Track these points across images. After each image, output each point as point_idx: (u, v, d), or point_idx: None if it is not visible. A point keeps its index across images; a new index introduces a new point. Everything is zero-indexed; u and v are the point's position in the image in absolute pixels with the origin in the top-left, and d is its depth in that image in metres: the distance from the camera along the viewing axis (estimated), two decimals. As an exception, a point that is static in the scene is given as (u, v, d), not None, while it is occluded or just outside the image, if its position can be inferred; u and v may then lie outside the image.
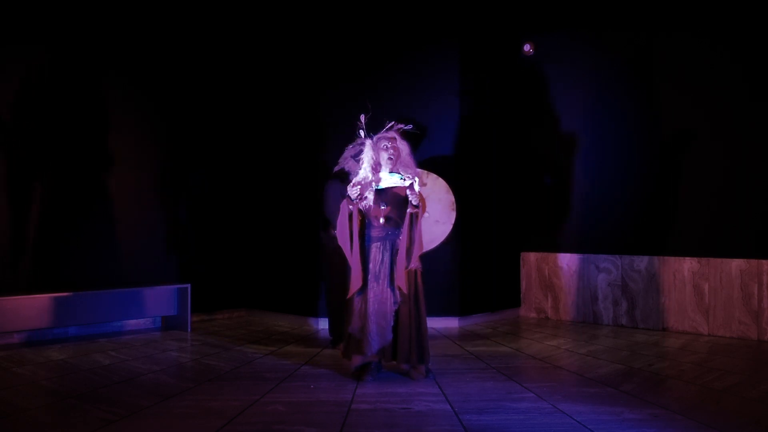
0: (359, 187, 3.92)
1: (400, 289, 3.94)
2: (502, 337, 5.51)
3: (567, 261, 6.53)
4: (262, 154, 6.70)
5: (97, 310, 5.44)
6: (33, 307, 5.09)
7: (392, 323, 3.96)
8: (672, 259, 5.81)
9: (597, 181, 6.35)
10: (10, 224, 5.22)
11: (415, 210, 3.96)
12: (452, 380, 3.95)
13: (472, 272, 6.25)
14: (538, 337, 5.52)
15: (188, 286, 5.84)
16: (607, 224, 6.27)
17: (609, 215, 6.26)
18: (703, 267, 5.64)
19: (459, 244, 5.99)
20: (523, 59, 6.89)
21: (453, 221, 5.33)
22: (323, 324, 5.77)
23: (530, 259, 6.84)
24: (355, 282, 3.95)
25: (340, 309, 4.99)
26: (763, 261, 5.33)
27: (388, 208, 3.99)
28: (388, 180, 4.03)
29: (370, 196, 3.96)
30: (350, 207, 3.94)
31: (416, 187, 4.01)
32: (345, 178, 4.90)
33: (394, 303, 3.96)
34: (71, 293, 5.26)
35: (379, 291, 3.94)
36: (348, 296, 3.98)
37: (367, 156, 4.05)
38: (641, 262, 5.99)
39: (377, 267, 3.97)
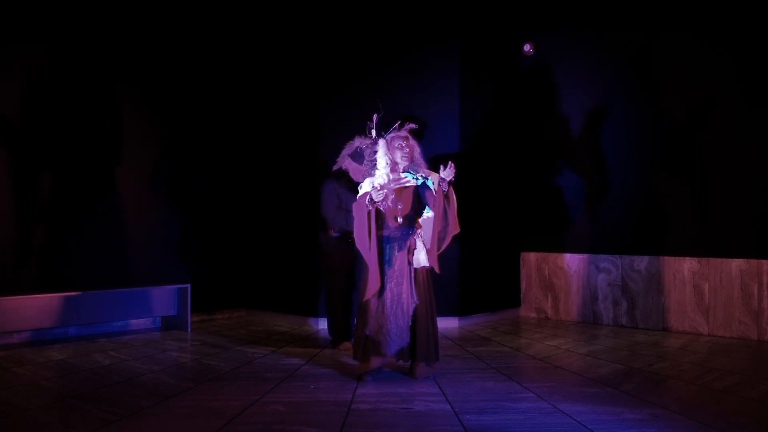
0: (385, 191, 3.86)
1: (418, 287, 3.94)
2: (502, 337, 5.51)
3: (567, 261, 6.53)
4: (262, 154, 6.70)
5: (97, 310, 5.44)
6: (33, 307, 5.09)
7: (410, 323, 3.95)
8: (672, 259, 5.81)
9: (597, 181, 6.35)
10: (10, 224, 5.22)
11: (447, 189, 3.88)
12: (452, 380, 3.95)
13: (472, 272, 6.25)
14: (538, 337, 5.52)
15: (188, 286, 5.83)
16: (607, 224, 6.27)
17: (609, 215, 6.26)
18: (703, 267, 5.64)
19: (459, 243, 5.99)
20: (523, 59, 6.90)
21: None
22: (323, 324, 5.77)
23: (530, 259, 6.84)
24: (374, 284, 3.88)
25: (340, 309, 5.00)
26: (763, 261, 5.33)
27: (404, 207, 3.98)
28: (403, 179, 4.02)
29: (391, 196, 3.94)
30: (370, 208, 3.87)
31: (430, 184, 4.00)
32: (341, 177, 4.90)
33: (412, 302, 3.95)
34: (71, 293, 5.25)
35: (396, 291, 3.93)
36: (366, 298, 3.92)
37: (382, 156, 4.04)
38: (641, 262, 5.99)
39: (394, 267, 3.95)
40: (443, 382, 3.90)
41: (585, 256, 6.39)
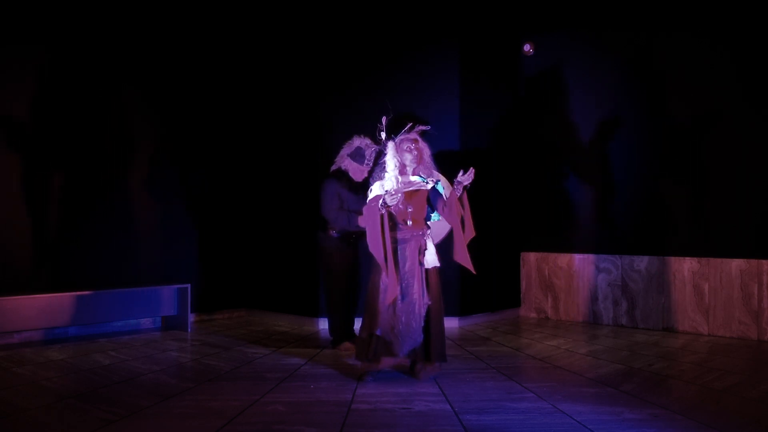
0: (400, 195, 3.84)
1: (429, 288, 3.95)
2: (502, 337, 5.51)
3: (567, 261, 6.53)
4: (262, 154, 6.70)
5: (97, 310, 5.44)
6: (33, 307, 5.09)
7: (422, 324, 3.95)
8: (672, 259, 5.81)
9: (597, 181, 6.35)
10: (10, 225, 5.22)
11: (462, 193, 3.89)
12: (452, 380, 3.95)
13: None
14: (538, 337, 5.52)
15: (188, 286, 5.83)
16: (607, 224, 6.27)
17: (609, 215, 6.26)
18: (703, 267, 5.64)
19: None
20: (523, 59, 6.90)
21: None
22: (323, 324, 5.77)
23: (530, 259, 6.84)
24: (392, 290, 3.85)
25: (340, 309, 4.99)
26: (763, 261, 5.33)
27: (414, 210, 3.98)
28: (413, 182, 4.02)
29: (401, 198, 3.94)
30: (382, 212, 3.83)
31: (440, 188, 4.00)
32: (341, 177, 4.88)
33: (425, 303, 3.95)
34: (71, 293, 5.26)
35: (408, 292, 3.92)
36: (386, 305, 3.89)
37: (391, 159, 4.03)
38: (641, 262, 5.99)
39: (406, 269, 3.95)
40: (443, 382, 3.90)
41: (585, 256, 6.39)
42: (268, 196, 6.61)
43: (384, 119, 4.02)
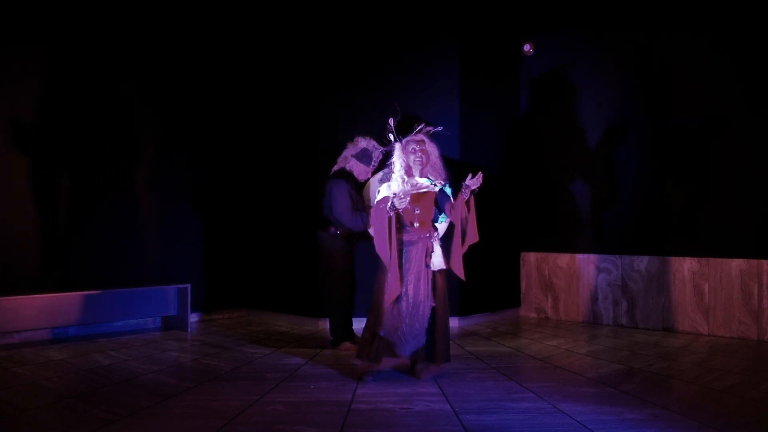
0: (408, 198, 3.84)
1: (435, 290, 3.95)
2: (502, 337, 5.51)
3: (567, 261, 6.53)
4: (262, 154, 6.70)
5: (97, 310, 5.44)
6: (33, 307, 5.09)
7: (426, 325, 3.95)
8: (672, 259, 5.81)
9: (597, 181, 6.35)
10: (10, 225, 5.22)
11: (468, 197, 3.89)
12: (452, 380, 3.95)
13: (472, 272, 6.20)
14: (538, 337, 5.52)
15: (188, 286, 5.83)
16: (607, 224, 6.27)
17: (609, 215, 6.26)
18: (703, 267, 5.64)
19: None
20: (523, 59, 6.90)
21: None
22: (323, 324, 5.77)
23: (530, 259, 6.84)
24: (395, 289, 3.87)
25: (342, 309, 4.99)
26: (763, 261, 5.33)
27: (421, 212, 3.98)
28: (420, 184, 4.02)
29: (407, 200, 3.95)
30: (391, 213, 3.85)
31: (448, 191, 4.00)
32: (349, 177, 4.87)
33: (429, 305, 3.95)
34: (71, 293, 5.26)
35: (413, 294, 3.92)
36: (387, 304, 3.91)
37: (397, 160, 4.03)
38: (641, 262, 6.00)
39: (412, 270, 3.95)
40: (443, 382, 3.90)
41: (585, 256, 6.39)
42: (269, 196, 6.61)
43: (391, 121, 4.02)
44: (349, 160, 4.88)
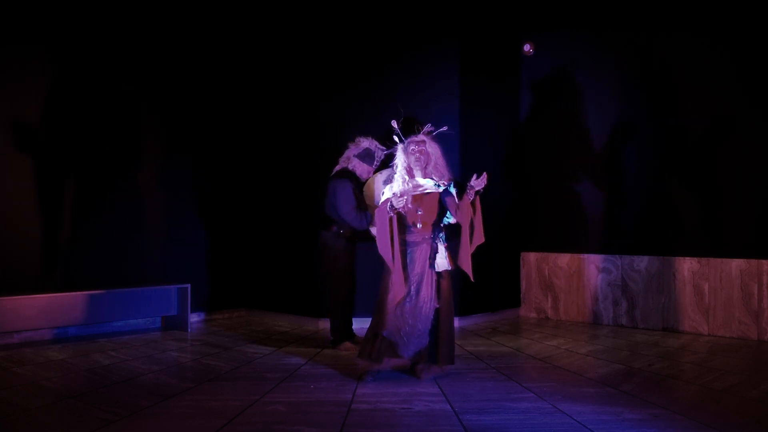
0: (406, 198, 3.86)
1: (440, 291, 3.95)
2: (502, 337, 5.51)
3: (567, 261, 6.53)
4: (262, 154, 6.70)
5: (97, 310, 5.44)
6: (33, 307, 5.09)
7: (429, 327, 3.95)
8: (672, 259, 5.81)
9: (597, 181, 6.35)
10: (11, 225, 5.22)
11: (474, 198, 3.89)
12: (452, 380, 3.95)
13: (473, 272, 6.23)
14: (538, 337, 5.52)
15: (188, 286, 5.83)
16: (607, 224, 6.27)
17: (609, 215, 6.26)
18: (703, 267, 5.64)
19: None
20: (523, 59, 6.90)
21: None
22: (323, 324, 5.77)
23: (530, 259, 6.84)
24: (399, 290, 3.88)
25: (343, 309, 4.99)
26: (763, 261, 5.33)
27: (424, 213, 3.98)
28: (423, 184, 4.02)
29: (409, 200, 3.95)
30: (391, 214, 3.86)
31: (452, 191, 3.99)
32: (352, 177, 4.87)
33: (433, 306, 3.94)
34: (71, 293, 5.26)
35: (416, 294, 3.92)
36: (391, 306, 3.91)
37: (399, 161, 4.03)
38: (641, 262, 6.00)
39: (415, 271, 3.95)
40: (443, 382, 3.90)
41: (585, 256, 6.39)
42: (268, 196, 6.61)
43: (394, 122, 4.03)
44: (351, 160, 4.89)
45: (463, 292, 6.13)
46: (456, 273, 4.12)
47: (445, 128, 4.12)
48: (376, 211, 4.00)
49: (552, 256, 6.65)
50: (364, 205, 4.79)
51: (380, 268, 4.02)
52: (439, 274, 4.00)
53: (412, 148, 4.03)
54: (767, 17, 5.34)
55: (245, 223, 6.78)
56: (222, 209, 6.63)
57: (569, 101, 6.56)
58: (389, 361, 3.96)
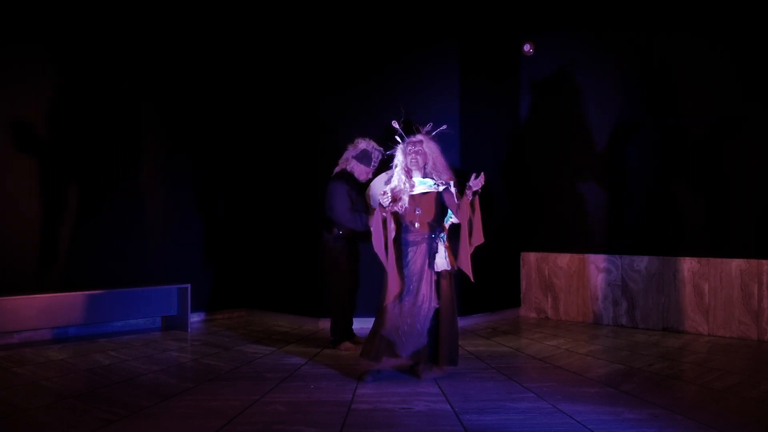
0: (389, 195, 3.88)
1: (440, 291, 3.96)
2: (502, 337, 5.51)
3: (567, 261, 6.53)
4: (262, 155, 6.70)
5: (97, 310, 5.44)
6: (33, 307, 5.09)
7: (428, 326, 3.95)
8: (672, 259, 5.81)
9: (597, 181, 6.35)
10: (11, 225, 5.22)
11: (473, 198, 3.89)
12: (452, 380, 3.95)
13: (473, 272, 6.23)
14: (538, 337, 5.52)
15: (188, 286, 5.83)
16: (607, 224, 6.27)
17: (609, 215, 6.26)
18: (703, 267, 5.64)
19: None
20: (523, 59, 6.90)
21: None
22: (323, 324, 5.77)
23: (530, 259, 6.84)
24: (393, 288, 3.90)
25: (343, 309, 5.00)
26: (763, 261, 5.33)
27: (423, 212, 3.98)
28: (422, 184, 4.03)
29: (405, 198, 3.95)
30: (383, 214, 3.89)
31: (452, 190, 4.00)
32: (349, 178, 4.90)
33: (432, 306, 3.94)
34: (71, 293, 5.26)
35: (414, 294, 3.93)
36: (385, 303, 3.93)
37: (398, 161, 4.05)
38: (641, 262, 5.99)
39: (414, 270, 3.95)
40: (443, 382, 3.90)
41: (585, 256, 6.39)
42: (269, 197, 6.61)
43: (395, 122, 4.05)
44: (349, 161, 4.94)
45: (463, 292, 6.12)
46: (456, 273, 4.12)
47: (444, 127, 4.13)
48: (375, 210, 4.02)
49: (552, 256, 6.65)
50: (363, 205, 4.82)
51: (382, 268, 4.03)
52: (438, 273, 4.00)
53: (409, 148, 4.04)
54: (765, 17, 5.34)
55: (245, 223, 6.78)
56: (222, 209, 6.63)
57: (569, 101, 6.56)
58: (388, 361, 3.96)
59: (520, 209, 6.89)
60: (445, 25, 6.15)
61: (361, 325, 5.38)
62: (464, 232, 3.94)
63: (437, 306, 3.97)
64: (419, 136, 4.07)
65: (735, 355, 4.74)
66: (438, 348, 3.97)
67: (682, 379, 4.01)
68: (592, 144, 6.38)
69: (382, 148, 4.83)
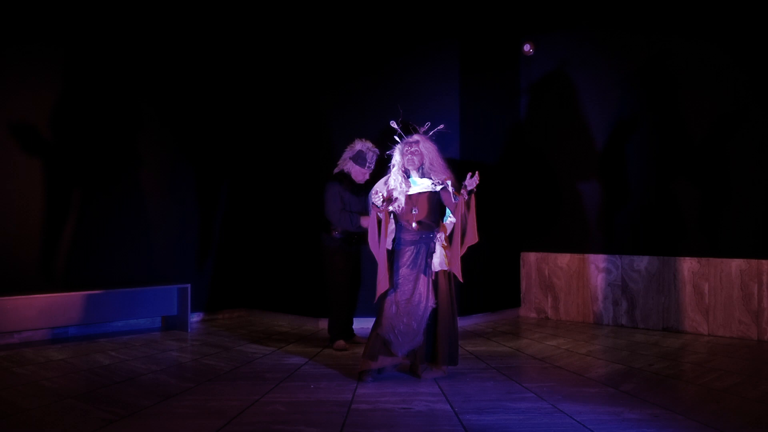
0: (382, 194, 3.89)
1: (437, 290, 3.96)
2: (502, 337, 5.51)
3: (567, 261, 6.53)
4: (263, 155, 6.70)
5: (97, 310, 5.44)
6: (33, 307, 5.09)
7: (424, 326, 3.95)
8: (672, 259, 5.81)
9: (597, 181, 6.35)
10: (11, 225, 5.22)
11: (468, 197, 3.90)
12: (452, 380, 3.95)
13: (472, 272, 6.23)
14: (538, 337, 5.52)
15: (188, 286, 5.83)
16: (607, 224, 6.27)
17: (609, 215, 6.26)
18: (703, 267, 5.64)
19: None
20: (524, 59, 6.90)
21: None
22: (323, 324, 5.77)
23: (530, 259, 6.84)
24: (382, 285, 3.92)
25: (341, 308, 5.01)
26: (763, 261, 5.33)
27: (420, 212, 3.99)
28: (420, 184, 4.03)
29: (402, 197, 3.96)
30: (379, 214, 3.91)
31: (450, 190, 4.00)
32: (343, 179, 4.95)
33: (429, 305, 3.95)
34: (72, 293, 5.26)
35: (410, 293, 3.93)
36: (376, 299, 3.97)
37: (396, 161, 4.08)
38: (641, 262, 5.99)
39: (410, 270, 3.96)
40: (443, 382, 3.90)
41: (585, 256, 6.39)
42: (269, 197, 6.61)
43: (393, 123, 4.07)
44: (346, 162, 5.01)
45: (463, 292, 6.12)
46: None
47: (441, 127, 4.13)
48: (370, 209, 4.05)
49: (552, 256, 6.65)
50: (360, 206, 4.91)
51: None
52: (436, 273, 4.00)
53: (405, 148, 4.05)
54: (765, 17, 5.34)
55: (245, 223, 6.78)
56: (222, 209, 6.63)
57: (569, 101, 6.56)
58: (384, 360, 3.96)
59: (519, 209, 6.89)
60: (446, 25, 6.15)
61: (362, 325, 5.39)
62: (457, 231, 3.96)
63: (434, 305, 3.97)
64: (416, 136, 4.08)
65: (735, 355, 4.74)
66: (436, 347, 3.98)
67: (682, 379, 4.01)
68: (592, 144, 6.38)
69: (377, 149, 4.87)
